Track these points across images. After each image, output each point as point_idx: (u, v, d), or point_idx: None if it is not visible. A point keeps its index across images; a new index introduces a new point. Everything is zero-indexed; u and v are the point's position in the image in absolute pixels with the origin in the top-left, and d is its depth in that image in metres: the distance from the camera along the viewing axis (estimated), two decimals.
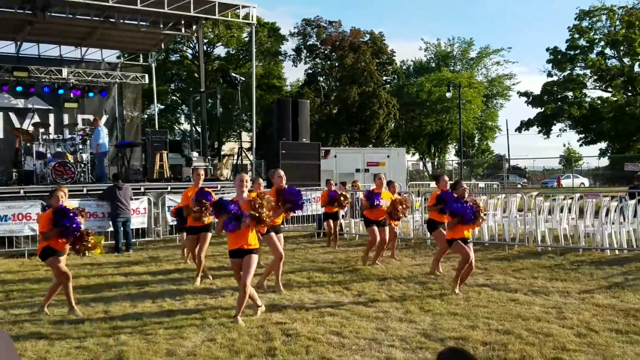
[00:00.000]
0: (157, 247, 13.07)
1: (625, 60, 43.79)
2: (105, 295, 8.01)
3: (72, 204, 9.19)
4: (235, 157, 20.34)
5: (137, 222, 13.50)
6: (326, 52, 45.70)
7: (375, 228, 10.07)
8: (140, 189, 14.41)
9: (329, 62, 46.01)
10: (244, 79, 19.76)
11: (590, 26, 44.31)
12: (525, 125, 47.79)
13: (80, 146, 14.94)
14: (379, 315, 6.71)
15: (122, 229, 12.56)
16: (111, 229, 12.77)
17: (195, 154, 19.04)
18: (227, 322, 6.42)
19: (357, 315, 6.73)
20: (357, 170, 27.23)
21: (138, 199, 13.70)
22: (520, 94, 47.99)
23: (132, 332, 6.17)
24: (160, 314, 6.95)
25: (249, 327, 6.23)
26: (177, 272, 9.74)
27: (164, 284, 8.85)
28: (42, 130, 15.27)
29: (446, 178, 9.15)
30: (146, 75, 21.63)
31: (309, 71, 46.82)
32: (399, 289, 8.17)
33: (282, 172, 8.12)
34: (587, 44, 44.34)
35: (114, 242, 12.64)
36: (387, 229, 10.21)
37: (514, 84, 56.37)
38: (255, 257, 6.50)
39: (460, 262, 7.81)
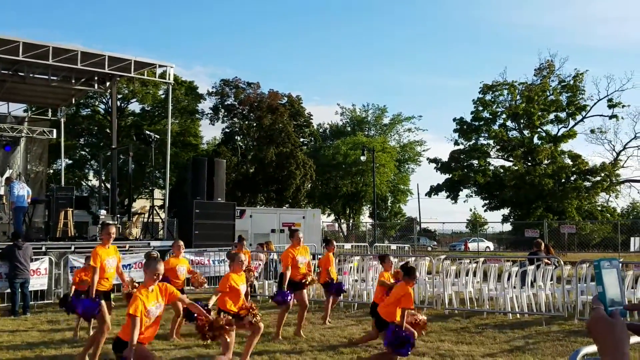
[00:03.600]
0: (57, 310, 12.31)
1: (525, 132, 46.87)
2: None
3: None
4: (147, 215, 19.79)
5: (37, 283, 12.72)
6: (244, 112, 46.06)
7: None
8: (41, 248, 13.67)
9: (246, 122, 46.33)
10: (158, 136, 19.51)
11: (493, 100, 47.30)
12: (434, 190, 49.66)
13: None
14: None
15: (19, 290, 11.79)
16: (8, 290, 11.96)
17: (103, 211, 18.36)
18: None
19: None
20: (273, 231, 27.12)
21: (39, 259, 12.97)
22: (430, 160, 50.03)
23: None
24: None
25: None
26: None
27: (63, 348, 8.33)
28: None
29: (392, 259, 9.01)
30: (54, 130, 20.92)
31: (226, 130, 46.94)
32: (311, 353, 8.10)
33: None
34: (490, 116, 47.18)
35: (10, 304, 11.84)
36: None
37: (424, 150, 58.81)
38: None
39: None
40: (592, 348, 3.26)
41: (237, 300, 6.98)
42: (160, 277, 5.69)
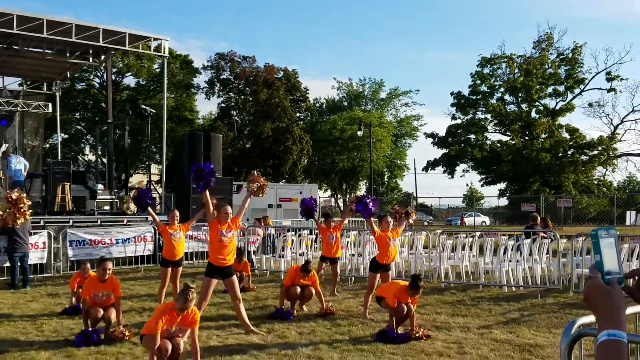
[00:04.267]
0: (57, 284, 12.40)
1: (523, 106, 46.80)
2: None
3: None
4: None
5: (36, 257, 12.79)
6: (240, 86, 45.83)
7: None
8: (39, 222, 13.69)
9: (242, 97, 46.12)
10: (154, 110, 19.40)
11: (491, 73, 47.12)
12: (431, 165, 49.75)
13: None
14: (288, 352, 6.69)
15: (19, 264, 11.86)
16: (7, 264, 12.03)
17: (100, 186, 18.35)
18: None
19: (265, 353, 6.68)
20: (270, 206, 27.16)
21: (37, 232, 13.01)
22: (427, 135, 50.04)
23: None
24: (59, 353, 6.59)
25: None
26: (76, 311, 9.26)
27: (63, 321, 8.41)
28: None
29: (389, 219, 9.08)
30: (50, 104, 20.80)
31: (222, 105, 46.73)
32: (309, 325, 8.18)
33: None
34: (488, 90, 47.05)
35: (10, 278, 11.91)
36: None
37: (421, 125, 58.69)
38: None
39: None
40: (588, 319, 3.30)
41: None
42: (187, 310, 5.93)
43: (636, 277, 1.53)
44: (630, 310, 3.12)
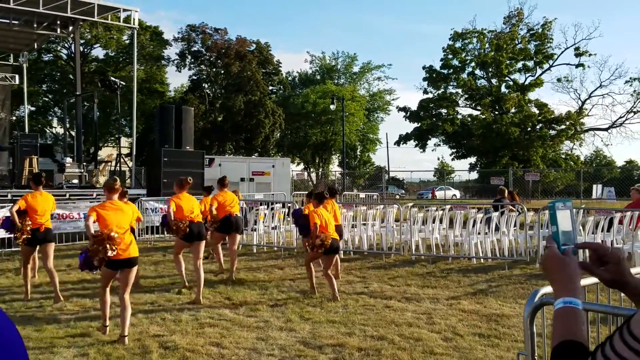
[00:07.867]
0: None
1: (493, 81, 47.19)
2: None
3: None
4: (113, 163, 19.54)
5: (2, 231, 12.59)
6: (211, 59, 45.22)
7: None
8: (7, 195, 13.48)
9: (214, 69, 45.55)
10: (124, 83, 19.07)
11: (462, 47, 47.29)
12: (403, 139, 50.03)
13: None
14: (260, 324, 6.78)
15: None
16: None
17: (68, 159, 18.06)
18: (101, 336, 6.20)
19: (237, 325, 6.75)
20: (242, 180, 27.09)
21: (4, 206, 12.80)
22: (399, 109, 50.19)
23: None
24: (27, 328, 6.56)
25: None
26: (47, 285, 9.21)
27: (33, 294, 8.35)
28: None
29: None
30: (16, 76, 20.31)
31: (194, 77, 46.11)
32: (281, 298, 8.28)
33: None
34: (460, 64, 47.27)
35: None
36: None
37: (393, 99, 58.84)
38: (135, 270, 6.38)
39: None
40: (550, 288, 3.43)
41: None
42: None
43: (588, 251, 1.60)
44: (589, 280, 3.24)
